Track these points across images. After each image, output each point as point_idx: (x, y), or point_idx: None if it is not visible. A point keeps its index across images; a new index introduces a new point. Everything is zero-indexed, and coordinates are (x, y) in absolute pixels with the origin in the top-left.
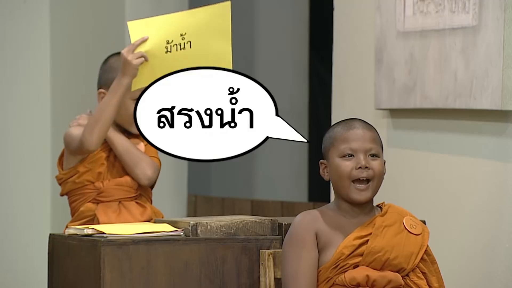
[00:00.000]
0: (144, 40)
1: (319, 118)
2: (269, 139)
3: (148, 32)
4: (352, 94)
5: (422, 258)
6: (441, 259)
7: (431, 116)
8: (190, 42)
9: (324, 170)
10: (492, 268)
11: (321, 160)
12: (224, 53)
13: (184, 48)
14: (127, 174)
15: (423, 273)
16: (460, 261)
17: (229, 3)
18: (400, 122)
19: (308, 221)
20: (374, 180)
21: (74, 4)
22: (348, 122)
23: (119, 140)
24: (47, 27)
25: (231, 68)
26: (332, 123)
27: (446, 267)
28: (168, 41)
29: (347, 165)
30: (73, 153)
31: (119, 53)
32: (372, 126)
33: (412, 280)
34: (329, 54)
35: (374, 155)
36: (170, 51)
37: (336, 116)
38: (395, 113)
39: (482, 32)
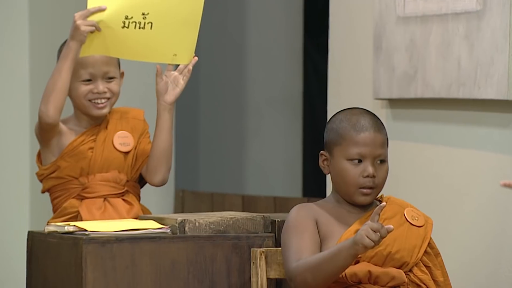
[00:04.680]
0: (100, 10)
1: (314, 109)
2: (262, 131)
3: (108, 2)
4: (349, 83)
5: (425, 251)
6: (443, 258)
7: (433, 106)
8: (151, 23)
9: (324, 163)
10: (497, 267)
11: (322, 152)
12: (188, 42)
13: (143, 27)
14: (114, 169)
15: (427, 267)
16: (463, 260)
17: None
18: (400, 113)
19: (307, 210)
20: (378, 187)
21: None
22: (358, 119)
23: (166, 134)
24: (25, 19)
25: (191, 57)
26: (328, 113)
27: (449, 267)
28: (127, 16)
29: (354, 172)
30: (42, 139)
31: None
32: (380, 123)
33: (416, 275)
34: (324, 41)
35: (382, 161)
36: (127, 27)
37: (332, 106)
38: (394, 103)
39: (487, 17)
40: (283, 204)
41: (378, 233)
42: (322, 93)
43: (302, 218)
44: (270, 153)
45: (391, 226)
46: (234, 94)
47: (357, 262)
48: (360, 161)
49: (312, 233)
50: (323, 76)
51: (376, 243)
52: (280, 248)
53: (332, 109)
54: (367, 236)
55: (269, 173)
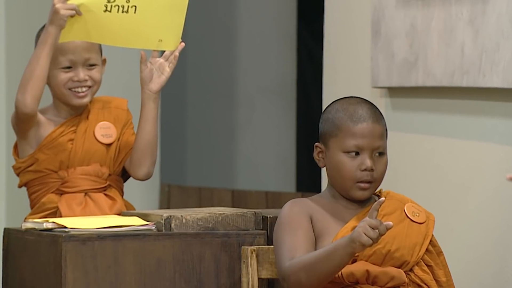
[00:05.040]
0: None
1: (309, 98)
2: (253, 122)
3: None
4: (346, 71)
5: (427, 250)
6: (446, 256)
7: (435, 95)
8: (135, 7)
9: (319, 155)
10: (503, 266)
11: (317, 143)
12: (175, 27)
13: (127, 11)
14: (95, 162)
15: (429, 266)
16: (467, 259)
17: None
18: (399, 102)
19: (301, 205)
20: (377, 181)
21: None
22: (355, 109)
23: (151, 125)
24: (1, 2)
25: (178, 43)
26: (324, 103)
27: (452, 266)
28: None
29: (351, 165)
30: (18, 130)
31: None
32: (378, 113)
33: (416, 275)
34: (320, 26)
35: (380, 153)
36: (110, 11)
37: (328, 95)
38: (394, 91)
39: (493, 1)
40: (276, 200)
41: (377, 230)
42: (317, 81)
43: (296, 214)
44: (262, 145)
45: (391, 223)
46: (224, 82)
47: (354, 261)
48: (357, 153)
49: (306, 230)
50: (318, 63)
51: (375, 241)
52: (272, 246)
53: (327, 99)
54: (365, 234)
55: (260, 167)
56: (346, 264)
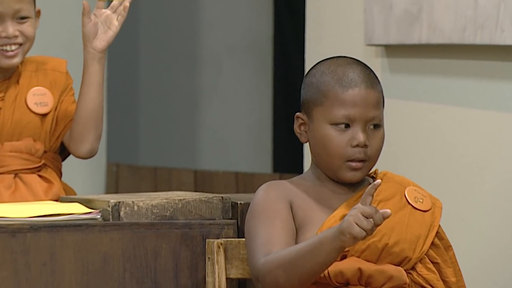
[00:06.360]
0: None
1: (288, 59)
2: (220, 88)
3: None
4: (333, 25)
5: (432, 243)
6: (456, 251)
7: (442, 54)
8: None
9: (301, 128)
10: None
11: (298, 114)
12: None
13: None
14: (27, 136)
15: (435, 264)
16: (482, 255)
17: None
18: (399, 63)
19: (279, 189)
20: (371, 160)
21: None
22: (345, 72)
23: (96, 91)
24: None
25: None
26: (306, 65)
27: (463, 263)
28: None
29: (340, 140)
30: None
31: None
32: (373, 76)
33: (420, 274)
34: None
35: (376, 125)
36: None
37: (311, 55)
38: (392, 50)
39: None
40: (248, 182)
41: (371, 220)
42: (298, 38)
43: (272, 201)
44: (231, 116)
45: (388, 211)
46: (184, 39)
47: (344, 257)
48: (347, 125)
49: (285, 219)
50: (299, 16)
51: (369, 232)
52: (243, 239)
53: (311, 59)
54: (357, 224)
55: (229, 142)
56: (333, 261)
